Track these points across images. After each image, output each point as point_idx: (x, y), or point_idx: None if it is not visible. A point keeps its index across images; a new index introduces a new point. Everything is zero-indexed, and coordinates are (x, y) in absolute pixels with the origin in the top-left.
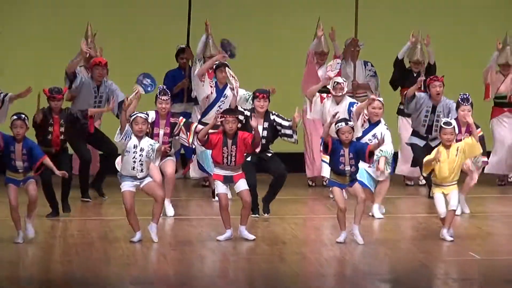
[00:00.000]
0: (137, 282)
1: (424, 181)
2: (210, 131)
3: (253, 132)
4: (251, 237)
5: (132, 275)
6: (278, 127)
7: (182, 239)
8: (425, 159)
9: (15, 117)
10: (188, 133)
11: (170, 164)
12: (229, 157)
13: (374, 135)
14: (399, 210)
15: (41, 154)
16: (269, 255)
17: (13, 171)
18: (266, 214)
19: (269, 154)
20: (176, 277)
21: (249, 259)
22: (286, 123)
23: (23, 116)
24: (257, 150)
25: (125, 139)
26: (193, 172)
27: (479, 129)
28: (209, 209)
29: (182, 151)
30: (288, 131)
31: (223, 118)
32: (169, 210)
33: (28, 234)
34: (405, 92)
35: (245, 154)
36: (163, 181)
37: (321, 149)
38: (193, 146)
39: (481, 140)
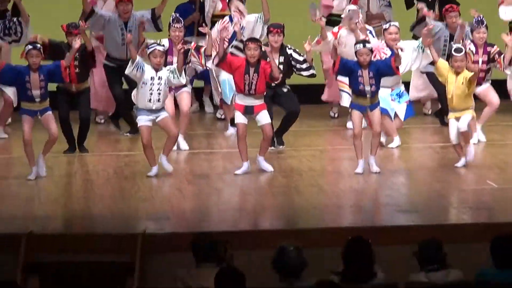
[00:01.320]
0: (153, 218)
1: (429, 111)
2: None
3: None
4: (270, 168)
5: (149, 211)
6: (294, 63)
7: (198, 173)
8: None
9: (30, 46)
10: (199, 55)
11: (185, 98)
12: (250, 85)
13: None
14: (415, 140)
15: (58, 62)
16: (286, 187)
17: (29, 101)
18: (281, 146)
19: (285, 90)
20: (193, 212)
21: (266, 192)
22: (300, 58)
23: (38, 45)
24: (274, 83)
25: (136, 70)
26: (208, 107)
27: (495, 47)
28: (225, 142)
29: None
30: (304, 65)
31: (246, 45)
32: (183, 144)
33: (40, 171)
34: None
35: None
36: (179, 115)
37: (332, 71)
38: (207, 68)
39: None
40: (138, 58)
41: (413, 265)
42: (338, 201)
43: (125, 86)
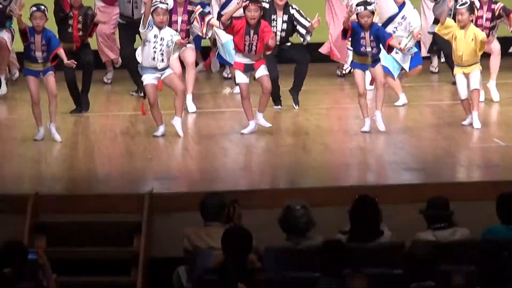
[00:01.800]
0: (160, 178)
1: (436, 69)
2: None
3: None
4: (267, 124)
5: (156, 171)
6: (295, 23)
7: (205, 133)
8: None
9: (34, 8)
10: (202, 23)
11: (190, 53)
12: (250, 46)
13: (403, 17)
14: (422, 97)
15: (57, 45)
16: (293, 146)
17: (33, 62)
18: (296, 106)
19: (288, 44)
20: (200, 171)
21: (273, 151)
22: (304, 23)
23: (43, 7)
24: (268, 52)
25: (149, 29)
26: (214, 66)
27: (499, 3)
28: (232, 102)
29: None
30: (303, 30)
31: (246, 7)
32: (191, 106)
33: (55, 138)
34: None
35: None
36: (184, 72)
37: (342, 35)
38: (207, 37)
39: None
40: (150, 17)
41: (420, 223)
42: (345, 160)
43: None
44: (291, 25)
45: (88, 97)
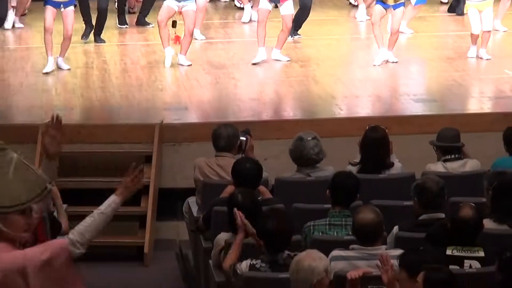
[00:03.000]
0: (170, 108)
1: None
2: None
3: None
4: (285, 58)
5: (166, 101)
6: None
7: (215, 63)
8: None
9: None
10: None
11: None
12: None
13: None
14: (433, 28)
15: None
16: (303, 77)
17: None
18: (292, 37)
19: None
20: (210, 102)
21: (283, 81)
22: None
23: None
24: None
25: None
26: None
27: None
28: (242, 32)
29: None
30: None
31: None
32: (199, 34)
33: (63, 67)
34: None
35: None
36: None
37: None
38: None
39: None
40: None
41: (430, 155)
42: (356, 91)
43: None
44: None
45: (101, 35)
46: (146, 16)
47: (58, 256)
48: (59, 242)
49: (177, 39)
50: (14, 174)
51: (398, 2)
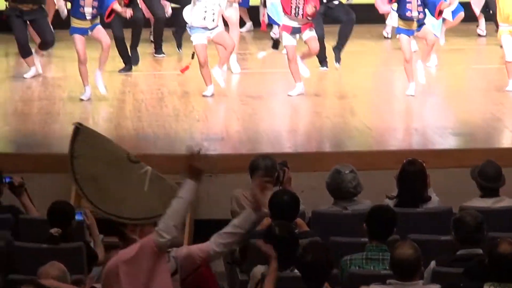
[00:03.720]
0: (208, 138)
1: (483, 32)
2: None
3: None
4: (307, 72)
5: (203, 131)
6: None
7: (252, 94)
8: None
9: None
10: None
11: (234, 12)
12: (297, 9)
13: None
14: (470, 61)
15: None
16: (340, 108)
17: (80, 19)
18: (337, 64)
19: (336, 2)
20: (246, 132)
21: (320, 113)
22: None
23: None
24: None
25: None
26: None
27: None
28: (279, 63)
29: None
30: None
31: None
32: (235, 67)
33: (100, 89)
34: None
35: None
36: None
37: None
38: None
39: None
40: None
41: (468, 189)
42: (393, 123)
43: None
44: None
45: (138, 52)
46: (180, 45)
47: (144, 250)
48: (147, 237)
49: (186, 68)
50: (150, 187)
51: (421, 25)
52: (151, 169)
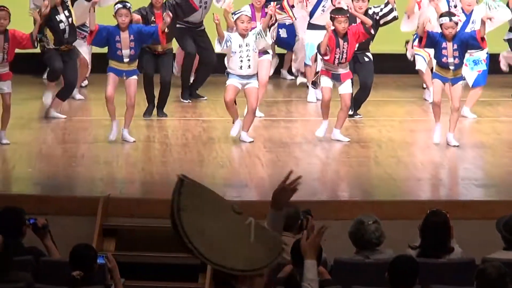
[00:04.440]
0: (231, 185)
1: None
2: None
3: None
4: (346, 139)
5: (227, 177)
6: (376, 17)
7: (276, 141)
8: None
9: (119, 5)
10: (284, 11)
11: (266, 66)
12: (341, 55)
13: (473, 21)
14: (498, 113)
15: (155, 27)
16: (364, 158)
17: (118, 61)
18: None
19: (367, 59)
20: (271, 180)
21: (344, 162)
22: (381, 6)
23: (128, 4)
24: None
25: (226, 46)
26: (288, 74)
27: None
28: (305, 110)
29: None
30: (386, 9)
31: (335, 19)
32: (257, 111)
33: (127, 139)
34: None
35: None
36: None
37: (416, 43)
38: (296, 19)
39: None
40: (226, 34)
41: (492, 241)
42: (417, 174)
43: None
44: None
45: (164, 109)
46: (197, 89)
47: None
48: None
49: None
50: (256, 237)
51: (457, 76)
52: (253, 220)
